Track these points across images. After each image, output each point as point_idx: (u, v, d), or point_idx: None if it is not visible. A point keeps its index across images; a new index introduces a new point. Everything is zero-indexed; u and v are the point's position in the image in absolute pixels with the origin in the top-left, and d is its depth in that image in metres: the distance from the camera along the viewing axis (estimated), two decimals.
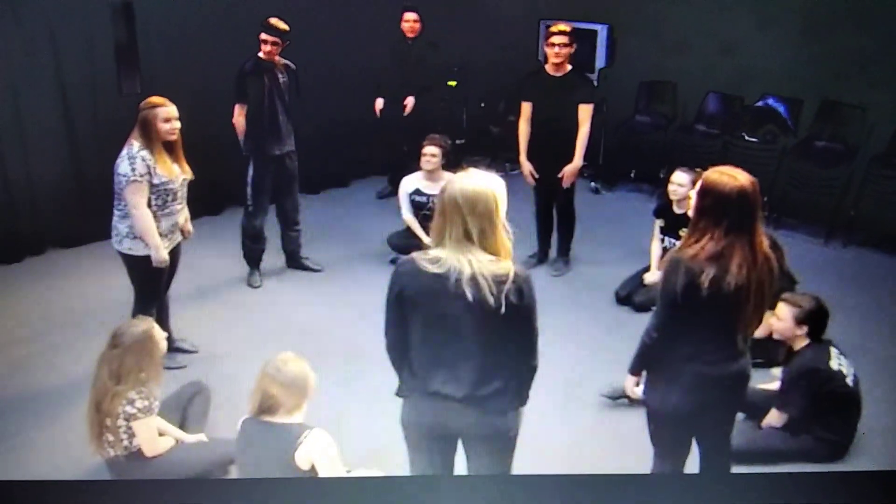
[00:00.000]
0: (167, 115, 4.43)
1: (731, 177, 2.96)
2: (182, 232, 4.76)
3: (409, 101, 7.55)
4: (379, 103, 7.57)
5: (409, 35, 7.47)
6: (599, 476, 3.56)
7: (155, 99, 4.47)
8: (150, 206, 4.40)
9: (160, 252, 4.47)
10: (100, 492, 2.60)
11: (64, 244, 6.56)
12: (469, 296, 2.63)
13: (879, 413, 4.31)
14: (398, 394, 3.01)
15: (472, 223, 2.65)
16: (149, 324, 3.79)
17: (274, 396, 3.20)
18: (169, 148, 4.49)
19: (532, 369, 2.90)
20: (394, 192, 7.51)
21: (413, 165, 6.37)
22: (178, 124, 4.49)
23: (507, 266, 2.68)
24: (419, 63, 7.50)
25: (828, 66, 7.06)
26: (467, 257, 2.65)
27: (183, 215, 4.69)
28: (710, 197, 2.97)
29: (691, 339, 3.08)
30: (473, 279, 2.63)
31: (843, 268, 6.43)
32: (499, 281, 2.64)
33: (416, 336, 2.82)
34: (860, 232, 6.86)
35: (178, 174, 4.52)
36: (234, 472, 3.72)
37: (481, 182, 2.70)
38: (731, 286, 2.91)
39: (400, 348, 2.90)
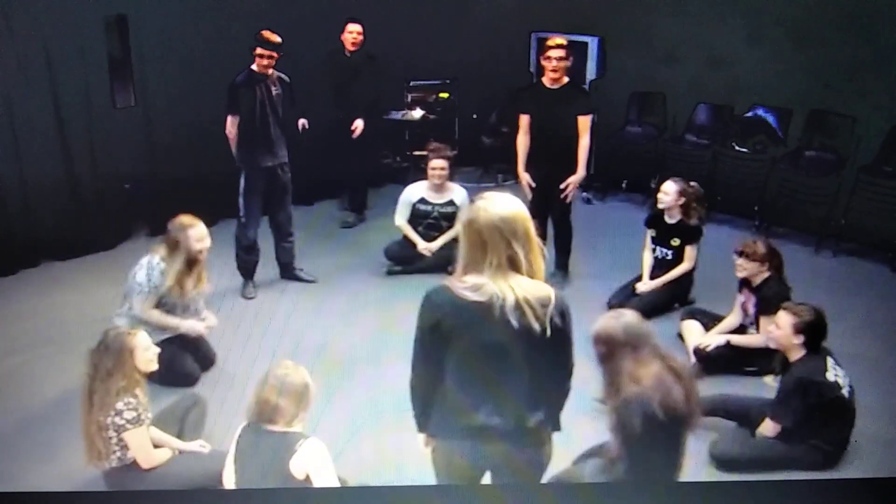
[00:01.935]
0: (200, 235, 4.64)
1: (615, 318, 3.25)
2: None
3: (358, 124, 7.23)
4: (302, 123, 7.14)
5: (351, 47, 7.18)
6: (595, 484, 3.58)
7: (186, 219, 4.66)
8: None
9: (185, 326, 4.73)
10: (95, 503, 2.61)
11: (58, 256, 6.55)
12: (514, 322, 2.56)
13: (870, 420, 4.33)
14: (423, 430, 2.88)
15: (516, 248, 2.59)
16: (128, 331, 3.78)
17: (275, 406, 3.19)
18: (192, 263, 4.69)
19: (567, 392, 2.85)
20: (360, 219, 7.57)
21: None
22: (209, 242, 4.70)
23: (547, 289, 2.63)
24: (356, 76, 7.21)
25: (817, 77, 7.11)
26: (509, 283, 2.58)
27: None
28: (603, 343, 3.20)
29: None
30: (518, 305, 2.56)
31: (834, 276, 6.46)
32: (543, 304, 2.59)
33: (455, 368, 2.69)
34: (850, 240, 6.90)
35: (189, 292, 4.72)
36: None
37: (513, 204, 2.65)
38: (679, 401, 3.10)
39: (431, 383, 2.75)
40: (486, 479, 2.96)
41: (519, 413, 2.69)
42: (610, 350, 3.18)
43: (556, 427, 2.86)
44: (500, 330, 2.58)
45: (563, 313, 2.64)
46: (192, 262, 4.70)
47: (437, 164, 6.18)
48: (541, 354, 2.64)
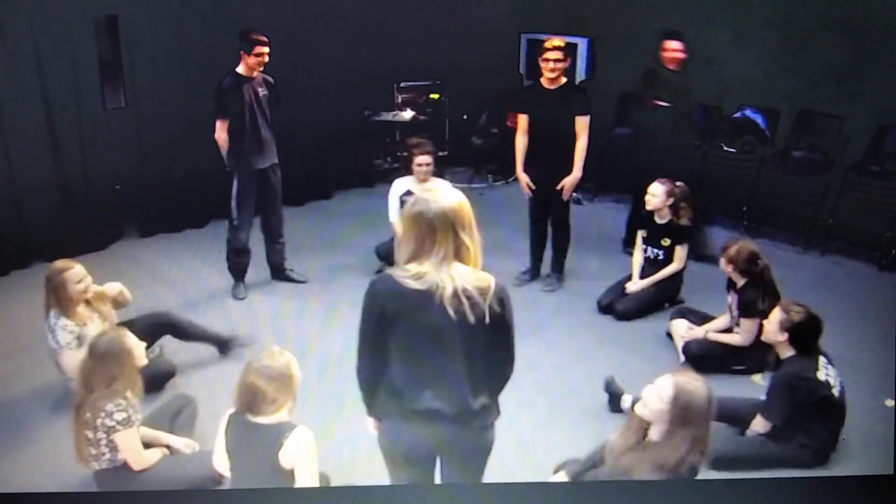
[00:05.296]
0: (77, 276, 4.40)
1: (698, 388, 3.20)
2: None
3: None
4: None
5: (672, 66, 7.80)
6: (590, 483, 3.60)
7: (61, 263, 4.46)
8: None
9: None
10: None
11: (49, 257, 6.46)
12: (451, 311, 2.67)
13: (859, 419, 4.34)
14: (372, 415, 2.98)
15: (464, 238, 2.70)
16: (119, 333, 3.79)
17: (259, 391, 3.15)
18: (86, 302, 4.49)
19: (507, 378, 2.94)
20: None
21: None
22: (90, 281, 4.46)
23: (488, 278, 2.73)
24: None
25: (804, 77, 7.15)
26: (450, 273, 2.68)
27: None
28: (682, 408, 3.18)
29: None
30: (455, 294, 2.66)
31: (821, 275, 6.49)
32: (482, 293, 2.69)
33: (399, 354, 2.80)
34: (837, 240, 6.93)
35: (108, 317, 4.54)
36: (223, 484, 3.72)
37: (457, 195, 2.78)
38: None
39: (377, 368, 2.85)
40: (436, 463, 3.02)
41: (461, 397, 2.79)
42: (687, 417, 3.19)
43: (497, 412, 2.94)
44: (439, 317, 2.68)
45: (502, 301, 2.74)
46: (85, 302, 4.49)
47: (423, 161, 6.13)
48: (482, 340, 2.74)
